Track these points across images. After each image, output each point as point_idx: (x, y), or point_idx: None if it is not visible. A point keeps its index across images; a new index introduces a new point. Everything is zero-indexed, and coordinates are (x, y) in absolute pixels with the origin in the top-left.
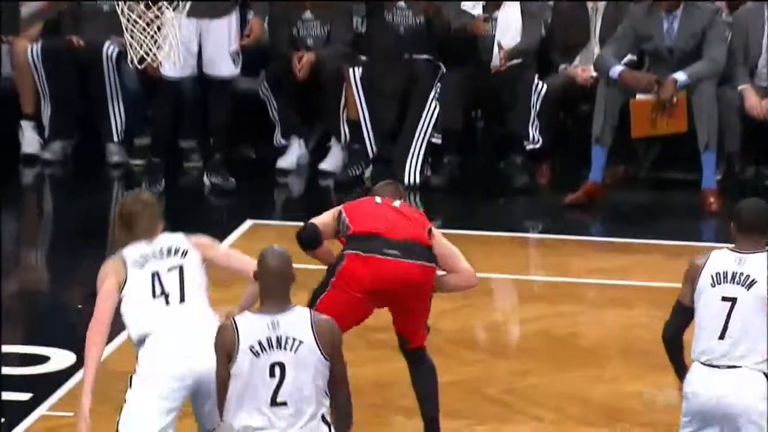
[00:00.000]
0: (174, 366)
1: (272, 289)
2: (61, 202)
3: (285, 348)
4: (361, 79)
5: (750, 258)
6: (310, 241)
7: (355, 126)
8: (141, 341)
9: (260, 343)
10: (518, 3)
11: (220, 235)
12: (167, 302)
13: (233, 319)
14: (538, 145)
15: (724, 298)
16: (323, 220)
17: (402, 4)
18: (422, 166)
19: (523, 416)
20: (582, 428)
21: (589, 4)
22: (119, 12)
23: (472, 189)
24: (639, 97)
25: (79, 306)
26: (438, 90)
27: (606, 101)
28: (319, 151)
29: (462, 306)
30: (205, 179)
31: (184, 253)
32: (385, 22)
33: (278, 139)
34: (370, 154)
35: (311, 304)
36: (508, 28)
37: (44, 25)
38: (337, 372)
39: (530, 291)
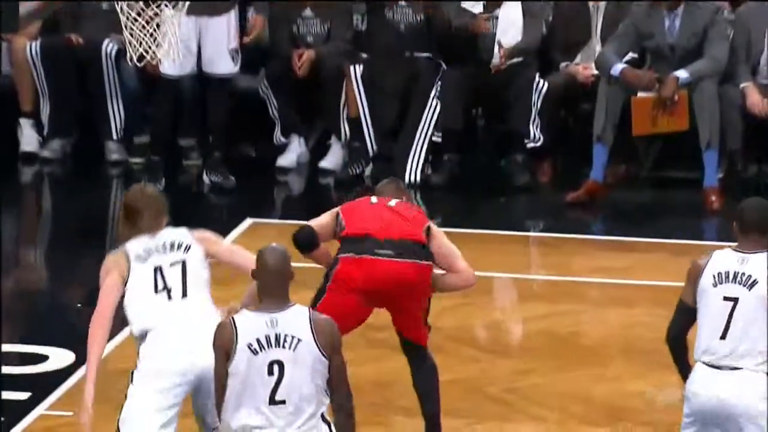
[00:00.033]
0: (176, 361)
1: (271, 287)
2: (60, 200)
3: (283, 346)
4: (362, 76)
5: (752, 258)
6: (306, 243)
7: (355, 124)
8: (143, 336)
9: (259, 341)
10: (519, 1)
11: (220, 234)
12: (169, 297)
13: (232, 317)
14: (539, 144)
15: (725, 298)
16: (322, 221)
17: (402, 2)
18: (423, 165)
19: (525, 415)
20: (584, 427)
21: (591, 3)
22: (118, 10)
23: (473, 187)
24: (640, 95)
25: (79, 305)
26: (438, 88)
27: (607, 99)
28: (319, 149)
29: (462, 304)
30: (205, 177)
31: (187, 248)
32: (385, 19)
33: (278, 137)
34: (371, 152)
35: None
36: (509, 27)
37: (43, 23)
38: (336, 371)
39: (531, 290)
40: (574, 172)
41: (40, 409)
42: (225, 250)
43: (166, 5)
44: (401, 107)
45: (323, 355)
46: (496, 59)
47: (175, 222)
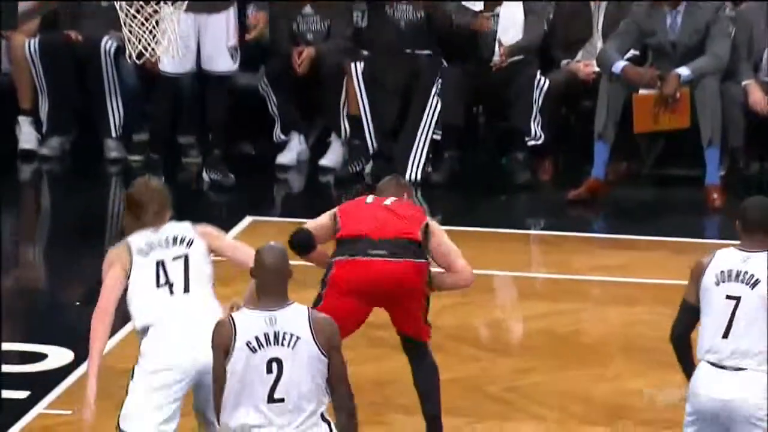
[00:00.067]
0: (178, 357)
1: (269, 285)
2: (59, 198)
3: (282, 344)
4: (362, 74)
5: (755, 257)
6: (302, 245)
7: (355, 121)
8: (144, 331)
9: (257, 339)
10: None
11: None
12: (171, 292)
13: (230, 315)
14: (540, 141)
15: (728, 297)
16: (320, 222)
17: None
18: (424, 163)
19: (525, 414)
20: (584, 426)
21: (592, 2)
22: (117, 7)
23: (473, 185)
24: (642, 92)
25: (77, 303)
26: (439, 86)
27: (608, 97)
28: (319, 147)
29: (462, 303)
30: (204, 175)
31: (190, 243)
32: (386, 17)
33: (278, 134)
34: (371, 150)
35: None
36: (510, 25)
37: (42, 20)
38: (336, 370)
39: (532, 288)
40: (575, 169)
41: (39, 408)
42: (228, 246)
43: (165, 2)
44: (402, 105)
45: (322, 353)
46: (496, 57)
47: (175, 220)
